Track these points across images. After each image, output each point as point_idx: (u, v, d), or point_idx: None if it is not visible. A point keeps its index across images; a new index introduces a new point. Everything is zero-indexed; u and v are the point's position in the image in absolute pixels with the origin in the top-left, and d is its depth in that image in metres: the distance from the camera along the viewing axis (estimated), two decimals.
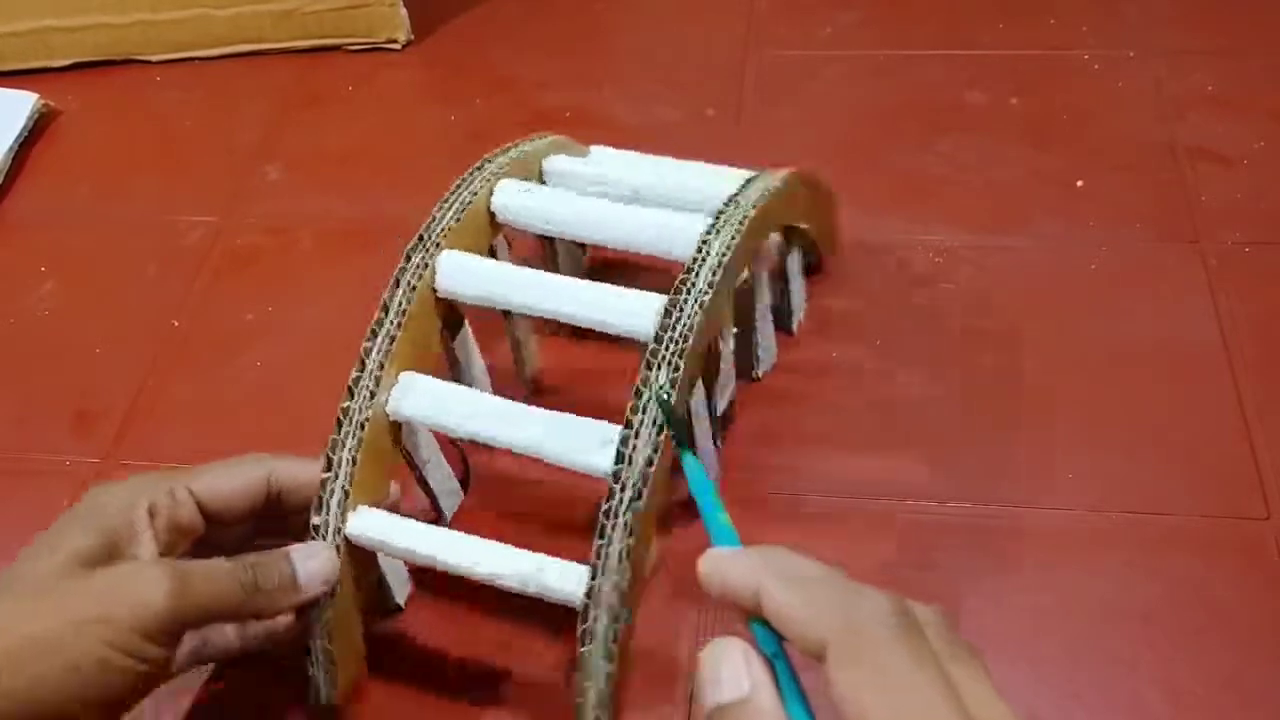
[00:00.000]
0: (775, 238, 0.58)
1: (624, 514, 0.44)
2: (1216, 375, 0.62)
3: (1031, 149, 0.76)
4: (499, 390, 0.54)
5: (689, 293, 0.49)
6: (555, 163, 0.60)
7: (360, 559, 0.49)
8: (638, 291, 0.50)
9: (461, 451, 0.62)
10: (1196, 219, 0.70)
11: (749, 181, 0.55)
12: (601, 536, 0.44)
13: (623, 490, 0.44)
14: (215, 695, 0.53)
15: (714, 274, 0.49)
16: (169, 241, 0.77)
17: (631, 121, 0.82)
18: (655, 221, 0.53)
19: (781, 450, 0.60)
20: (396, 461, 0.52)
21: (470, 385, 0.53)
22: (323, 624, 0.48)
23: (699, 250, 0.50)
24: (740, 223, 0.51)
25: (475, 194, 0.55)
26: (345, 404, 0.48)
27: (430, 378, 0.51)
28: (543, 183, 0.59)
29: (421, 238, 0.53)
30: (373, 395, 0.49)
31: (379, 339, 0.50)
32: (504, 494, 0.60)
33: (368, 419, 0.49)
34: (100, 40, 0.89)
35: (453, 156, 0.80)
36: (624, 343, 0.50)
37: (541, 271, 0.53)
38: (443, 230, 0.53)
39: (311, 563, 0.46)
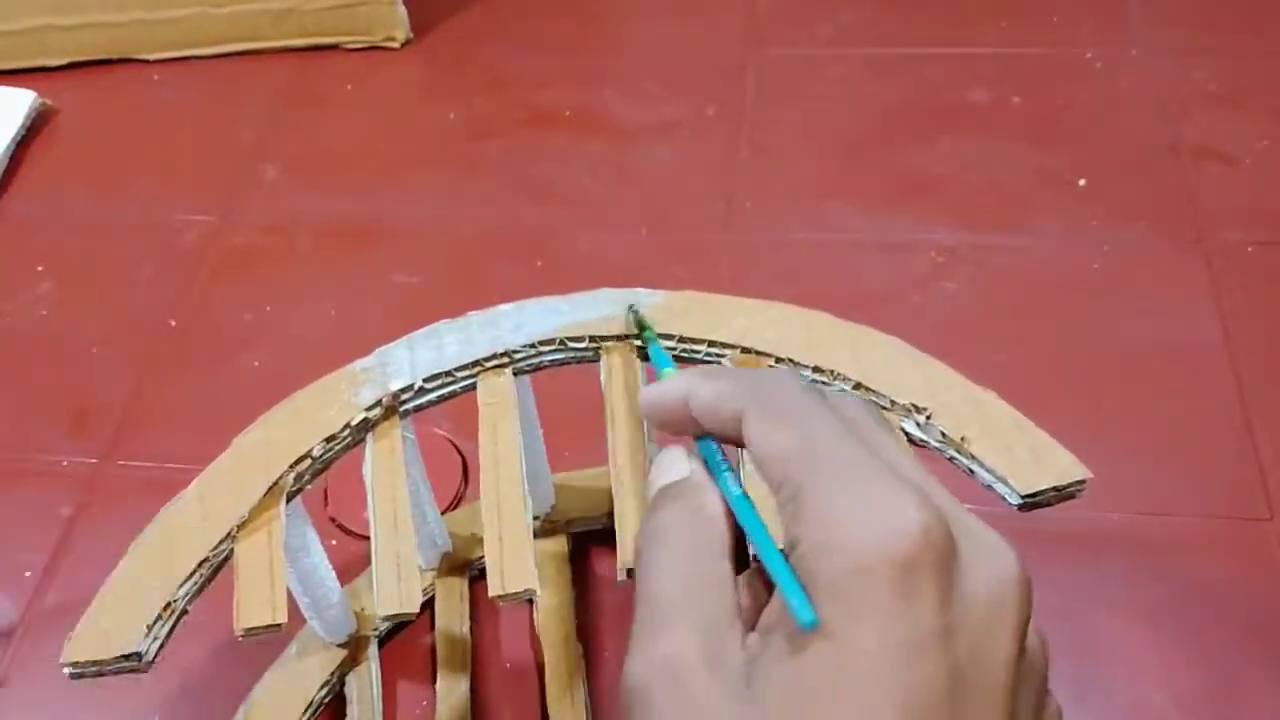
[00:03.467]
0: None
1: None
2: (1219, 375, 0.61)
3: (1033, 148, 0.75)
4: None
5: None
6: None
7: None
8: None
9: (460, 452, 0.62)
10: (1199, 218, 0.70)
11: None
12: None
13: None
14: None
15: None
16: (166, 241, 0.76)
17: (632, 120, 0.81)
18: None
19: None
20: None
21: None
22: None
23: None
24: None
25: None
26: None
27: None
28: None
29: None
30: None
31: None
32: None
33: None
34: (98, 39, 0.89)
35: (452, 156, 0.81)
36: None
37: None
38: None
39: None
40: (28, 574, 0.59)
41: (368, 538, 0.57)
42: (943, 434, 0.43)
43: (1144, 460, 0.58)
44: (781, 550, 0.29)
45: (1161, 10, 0.84)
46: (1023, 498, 0.41)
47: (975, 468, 0.42)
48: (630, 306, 0.47)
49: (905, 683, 0.25)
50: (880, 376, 0.44)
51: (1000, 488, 0.42)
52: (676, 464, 0.33)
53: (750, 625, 0.29)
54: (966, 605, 0.27)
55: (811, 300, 0.48)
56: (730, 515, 0.32)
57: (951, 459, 0.43)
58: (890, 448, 0.30)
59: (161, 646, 0.40)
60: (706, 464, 0.34)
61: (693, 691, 0.27)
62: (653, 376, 0.44)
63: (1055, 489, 0.41)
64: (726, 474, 0.33)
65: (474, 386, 0.46)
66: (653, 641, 0.29)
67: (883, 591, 0.26)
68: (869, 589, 0.26)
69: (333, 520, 0.59)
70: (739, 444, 0.32)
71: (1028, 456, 0.42)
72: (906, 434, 0.44)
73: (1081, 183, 0.73)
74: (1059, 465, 0.42)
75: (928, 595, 0.26)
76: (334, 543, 0.58)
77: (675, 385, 0.34)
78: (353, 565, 0.56)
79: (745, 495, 0.32)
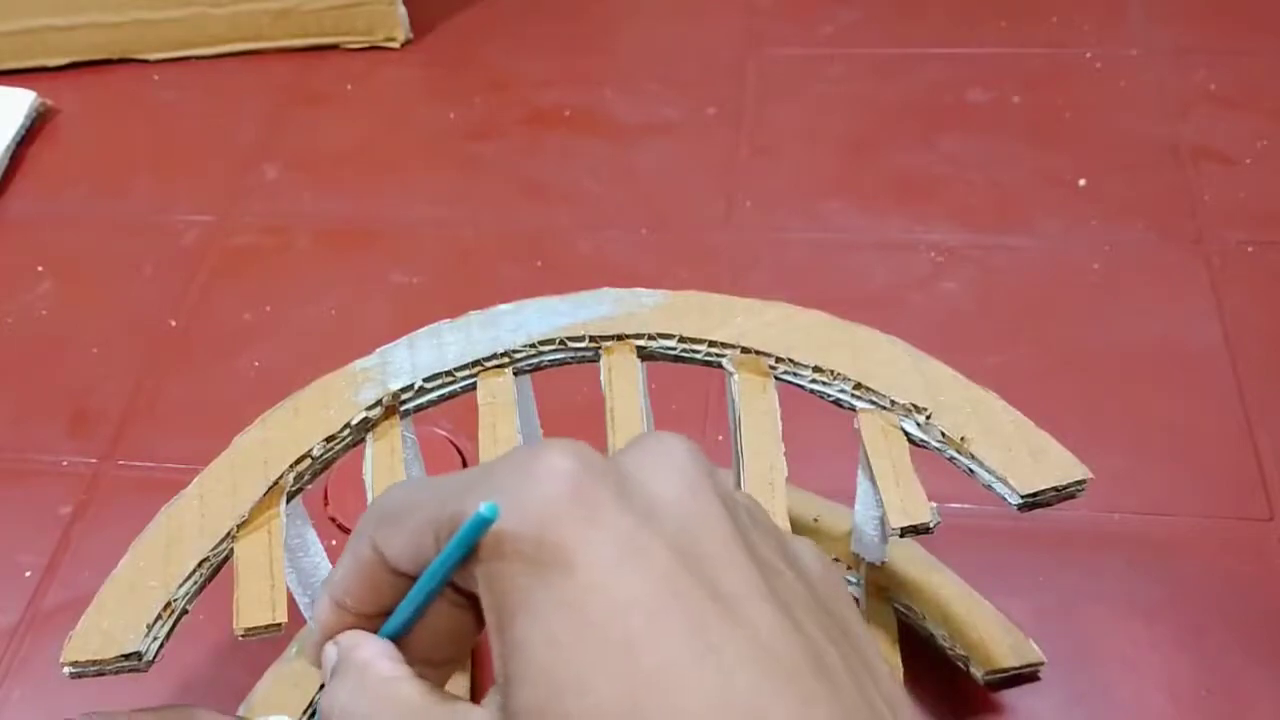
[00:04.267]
0: None
1: None
2: (1219, 375, 0.61)
3: (1033, 148, 0.75)
4: None
5: None
6: None
7: None
8: None
9: (460, 451, 0.62)
10: (1199, 218, 0.70)
11: None
12: None
13: None
14: None
15: None
16: (166, 241, 0.76)
17: (632, 120, 0.81)
18: None
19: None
20: None
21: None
22: None
23: None
24: None
25: None
26: None
27: None
28: None
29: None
30: None
31: None
32: None
33: None
34: (97, 39, 0.89)
35: (452, 156, 0.81)
36: None
37: None
38: None
39: None
40: (28, 574, 0.59)
41: None
42: (943, 434, 0.43)
43: (1144, 460, 0.58)
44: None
45: (1161, 10, 0.84)
46: (1023, 498, 0.41)
47: (975, 468, 0.42)
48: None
49: (634, 578, 0.24)
50: (880, 376, 0.45)
51: (1000, 488, 0.42)
52: (325, 655, 0.29)
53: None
54: (652, 484, 0.26)
55: (811, 300, 0.48)
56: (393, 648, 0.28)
57: (951, 459, 0.43)
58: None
59: (161, 646, 0.40)
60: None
61: None
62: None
63: (1055, 489, 0.42)
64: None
65: (474, 386, 0.46)
66: None
67: (570, 518, 0.24)
68: (558, 526, 0.24)
69: (333, 520, 0.59)
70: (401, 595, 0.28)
71: (1028, 456, 0.42)
72: (907, 434, 0.44)
73: (1081, 183, 0.73)
74: (1059, 465, 0.42)
75: (606, 498, 0.24)
76: (334, 543, 0.58)
77: (322, 603, 0.30)
78: None
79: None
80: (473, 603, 0.27)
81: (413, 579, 0.27)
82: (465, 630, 0.28)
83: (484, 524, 0.24)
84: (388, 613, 0.28)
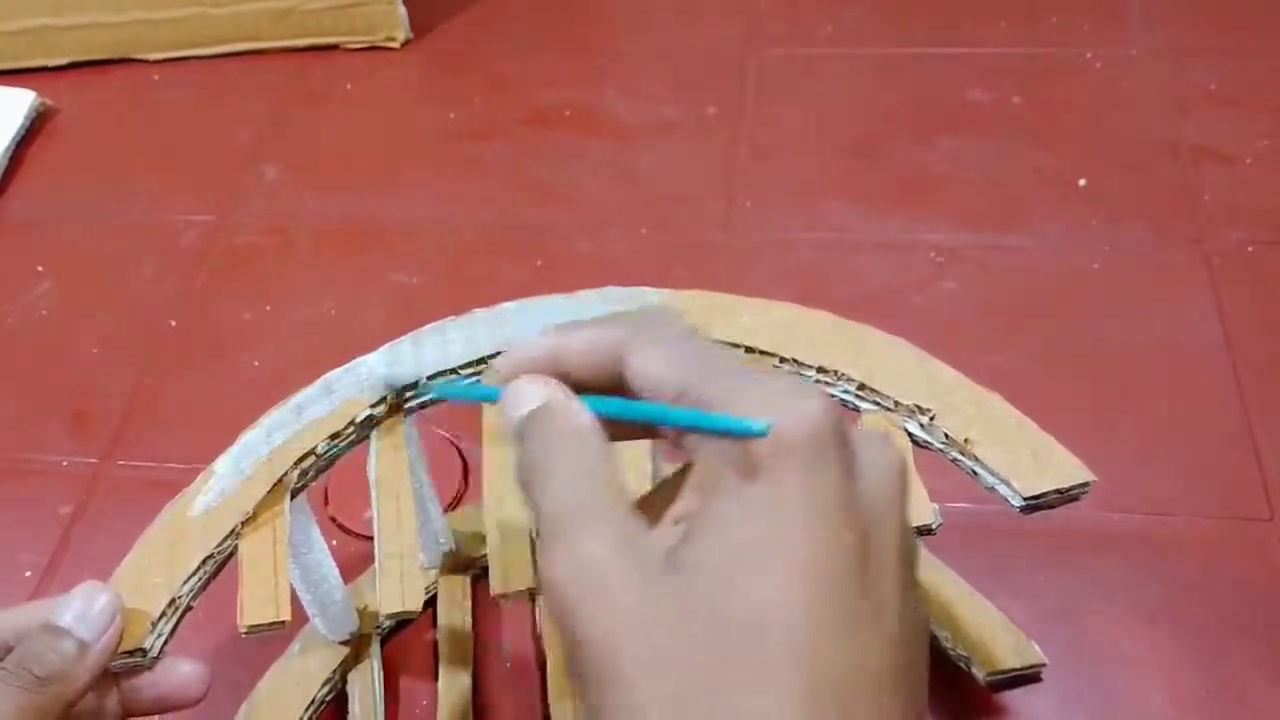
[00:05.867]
0: None
1: None
2: (1220, 375, 0.62)
3: (1033, 148, 0.75)
4: None
5: None
6: None
7: None
8: None
9: (461, 451, 0.62)
10: (1199, 218, 0.70)
11: None
12: None
13: None
14: None
15: None
16: (166, 241, 0.76)
17: (632, 120, 0.81)
18: None
19: None
20: None
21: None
22: None
23: None
24: None
25: None
26: None
27: None
28: None
29: None
30: None
31: None
32: None
33: None
34: (98, 39, 0.89)
35: (451, 156, 0.81)
36: None
37: None
38: None
39: (75, 605, 0.39)
40: (28, 574, 0.59)
41: (368, 538, 0.57)
42: (946, 435, 0.43)
43: (1144, 460, 0.58)
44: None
45: (1161, 10, 0.84)
46: (1025, 500, 0.42)
47: (979, 469, 0.42)
48: (387, 385, 0.45)
49: (822, 542, 0.28)
50: (884, 377, 0.45)
51: (1003, 489, 0.42)
52: (529, 393, 0.33)
53: (653, 522, 0.31)
54: (865, 477, 0.29)
55: (811, 300, 0.48)
56: (605, 429, 0.32)
57: (955, 460, 0.43)
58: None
59: (166, 642, 0.40)
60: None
61: (615, 587, 0.28)
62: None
63: (1058, 491, 0.42)
64: (610, 402, 0.32)
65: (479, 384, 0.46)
66: (566, 548, 0.29)
67: (800, 459, 0.28)
68: (788, 458, 0.28)
69: (333, 520, 0.59)
70: (612, 390, 0.32)
71: (1031, 459, 0.42)
72: (910, 435, 0.44)
73: (1081, 183, 0.73)
74: (1062, 467, 0.42)
75: (835, 464, 0.28)
76: (334, 542, 0.58)
77: (539, 344, 0.34)
78: (353, 565, 0.56)
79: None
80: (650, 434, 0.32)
81: (622, 383, 0.32)
82: (626, 436, 0.33)
83: (749, 434, 0.28)
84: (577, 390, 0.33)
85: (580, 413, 0.32)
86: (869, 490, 0.29)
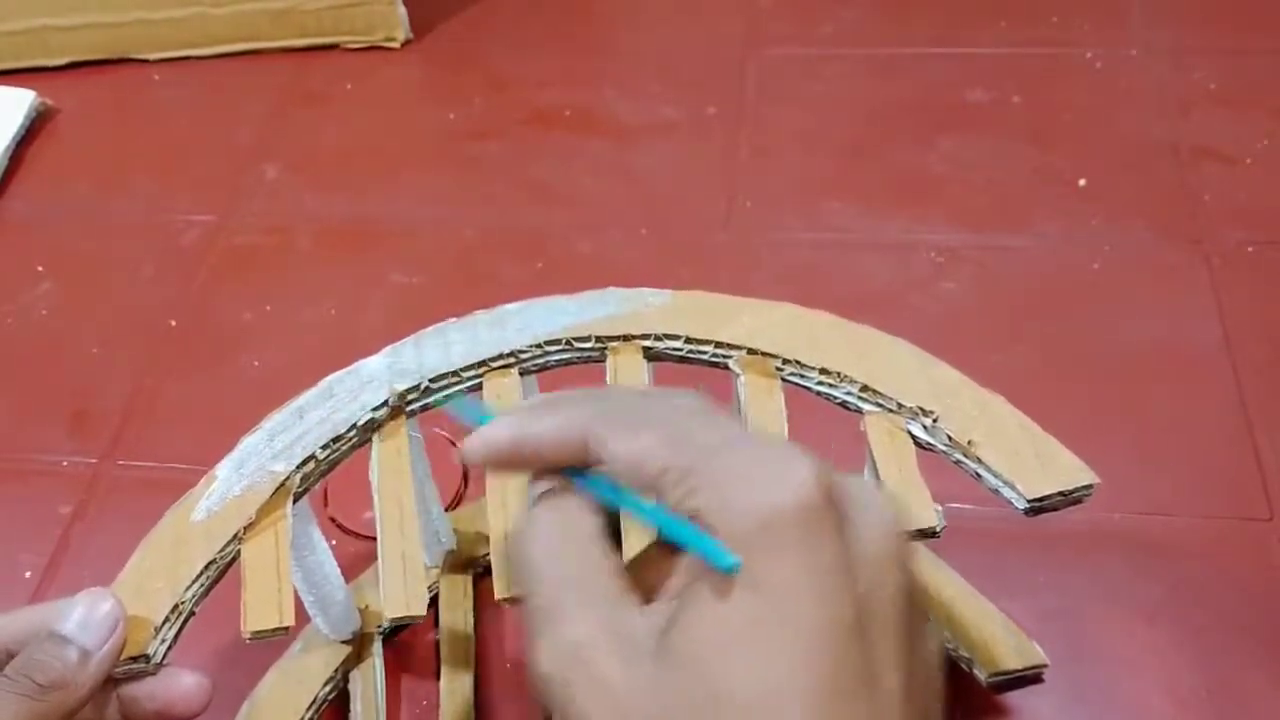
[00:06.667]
0: None
1: None
2: (1219, 376, 0.62)
3: (1033, 148, 0.75)
4: None
5: None
6: None
7: None
8: None
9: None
10: (1199, 218, 0.70)
11: None
12: None
13: None
14: None
15: None
16: (166, 241, 0.76)
17: (632, 120, 0.81)
18: None
19: None
20: None
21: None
22: None
23: None
24: None
25: None
26: None
27: None
28: None
29: None
30: None
31: None
32: None
33: None
34: (97, 39, 0.89)
35: (451, 156, 0.81)
36: None
37: None
38: None
39: (78, 613, 0.39)
40: (28, 574, 0.59)
41: (368, 538, 0.58)
42: (949, 437, 0.43)
43: (1144, 460, 0.58)
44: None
45: (1161, 10, 0.84)
46: (1029, 502, 0.42)
47: (982, 471, 0.42)
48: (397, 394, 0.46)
49: (822, 614, 0.27)
50: (886, 378, 0.45)
51: (1007, 492, 0.42)
52: (539, 485, 0.33)
53: (644, 602, 0.30)
54: (860, 543, 0.29)
55: (811, 300, 0.48)
56: (599, 510, 0.32)
57: (958, 462, 0.43)
58: (741, 426, 0.32)
59: (169, 648, 0.40)
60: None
61: (603, 673, 0.28)
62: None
63: (1062, 493, 0.42)
64: (593, 480, 0.32)
65: (480, 386, 0.46)
66: (553, 630, 0.29)
67: (791, 535, 0.27)
68: (779, 534, 0.27)
69: (333, 520, 0.59)
70: (583, 467, 0.32)
71: (1034, 460, 0.42)
72: (913, 436, 0.44)
73: (1081, 183, 0.73)
74: (1066, 469, 0.42)
75: (828, 534, 0.28)
76: (334, 543, 0.58)
77: (499, 430, 0.33)
78: (353, 565, 0.56)
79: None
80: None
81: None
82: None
83: (724, 568, 0.27)
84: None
85: (577, 500, 0.32)
86: (864, 553, 0.29)
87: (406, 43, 0.90)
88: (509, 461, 0.34)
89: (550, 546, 0.31)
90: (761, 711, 0.27)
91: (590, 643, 0.29)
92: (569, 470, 0.32)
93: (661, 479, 0.29)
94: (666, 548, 0.31)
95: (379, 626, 0.53)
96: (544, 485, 0.33)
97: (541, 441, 0.32)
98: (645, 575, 0.31)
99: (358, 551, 0.58)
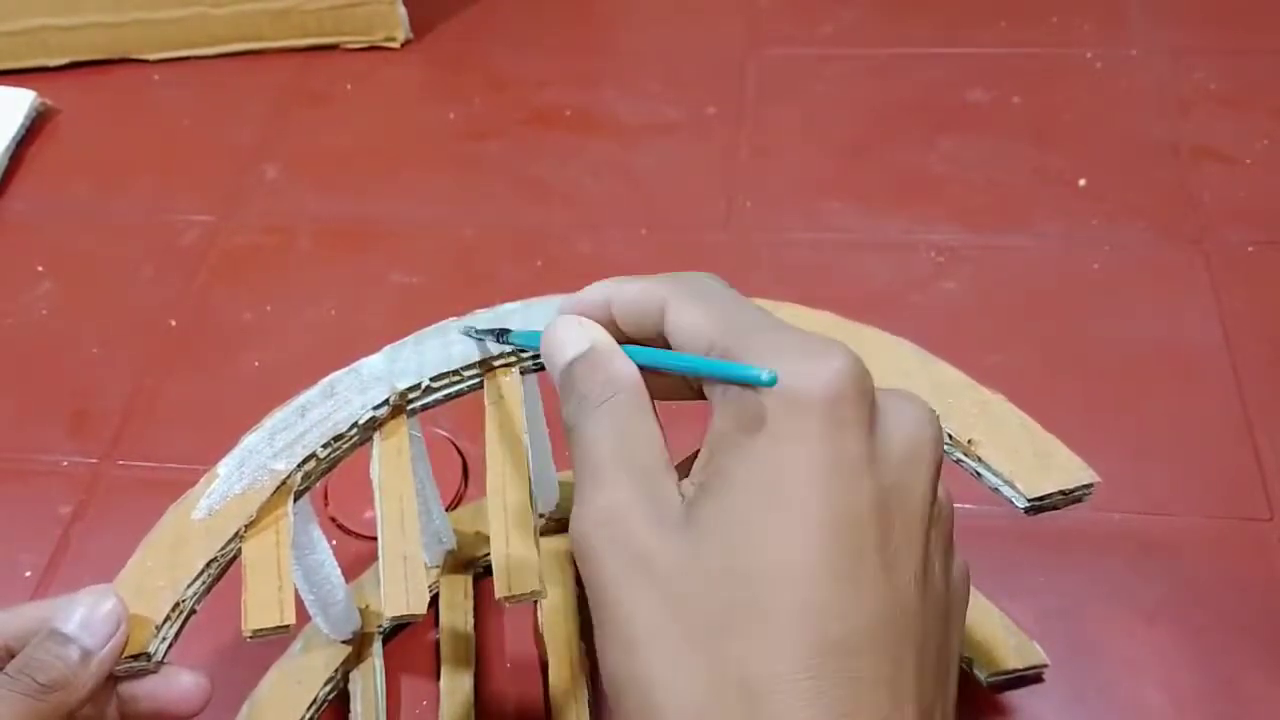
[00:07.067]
0: None
1: None
2: (1219, 376, 0.62)
3: (1034, 148, 0.75)
4: None
5: None
6: None
7: None
8: None
9: (460, 451, 0.62)
10: (1200, 218, 0.70)
11: None
12: None
13: None
14: None
15: None
16: (166, 241, 0.76)
17: (632, 120, 0.81)
18: None
19: None
20: None
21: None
22: None
23: None
24: None
25: None
26: None
27: None
28: None
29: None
30: None
31: None
32: None
33: None
34: (97, 39, 0.89)
35: (451, 156, 0.81)
36: None
37: None
38: None
39: (79, 612, 0.39)
40: (28, 574, 0.59)
41: (368, 538, 0.58)
42: (950, 436, 0.43)
43: (1144, 460, 0.58)
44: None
45: (1161, 10, 0.84)
46: (1030, 501, 0.42)
47: (982, 470, 0.42)
48: (472, 332, 0.46)
49: (836, 498, 0.28)
50: (887, 377, 0.44)
51: (1007, 491, 0.42)
52: (573, 335, 0.34)
53: (684, 475, 0.32)
54: (889, 439, 0.30)
55: (811, 300, 0.48)
56: (645, 387, 0.33)
57: (959, 461, 0.43)
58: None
59: (170, 646, 0.40)
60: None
61: (633, 535, 0.30)
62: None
63: (1063, 493, 0.42)
64: (646, 350, 0.34)
65: (481, 385, 0.46)
66: (594, 495, 0.31)
67: (815, 419, 0.28)
68: (803, 417, 0.29)
69: (333, 520, 0.59)
70: (657, 343, 0.34)
71: (1035, 460, 0.42)
72: None
73: (1081, 183, 0.73)
74: (1066, 469, 0.42)
75: (854, 424, 0.29)
76: (334, 542, 0.58)
77: (597, 290, 0.35)
78: (353, 565, 0.56)
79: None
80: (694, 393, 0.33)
81: (664, 338, 0.33)
82: (664, 395, 0.34)
83: (759, 381, 0.29)
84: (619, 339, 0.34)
85: (625, 365, 0.33)
86: (893, 452, 0.29)
87: (406, 43, 0.90)
88: (599, 316, 0.35)
89: (602, 414, 0.32)
90: (773, 583, 0.28)
91: (626, 506, 0.30)
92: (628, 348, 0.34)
93: (711, 351, 0.31)
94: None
95: (379, 626, 0.53)
96: (577, 340, 0.34)
97: (624, 303, 0.34)
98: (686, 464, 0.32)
99: (358, 551, 0.58)
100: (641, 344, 0.34)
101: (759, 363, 0.29)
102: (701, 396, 0.33)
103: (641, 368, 0.33)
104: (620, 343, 0.34)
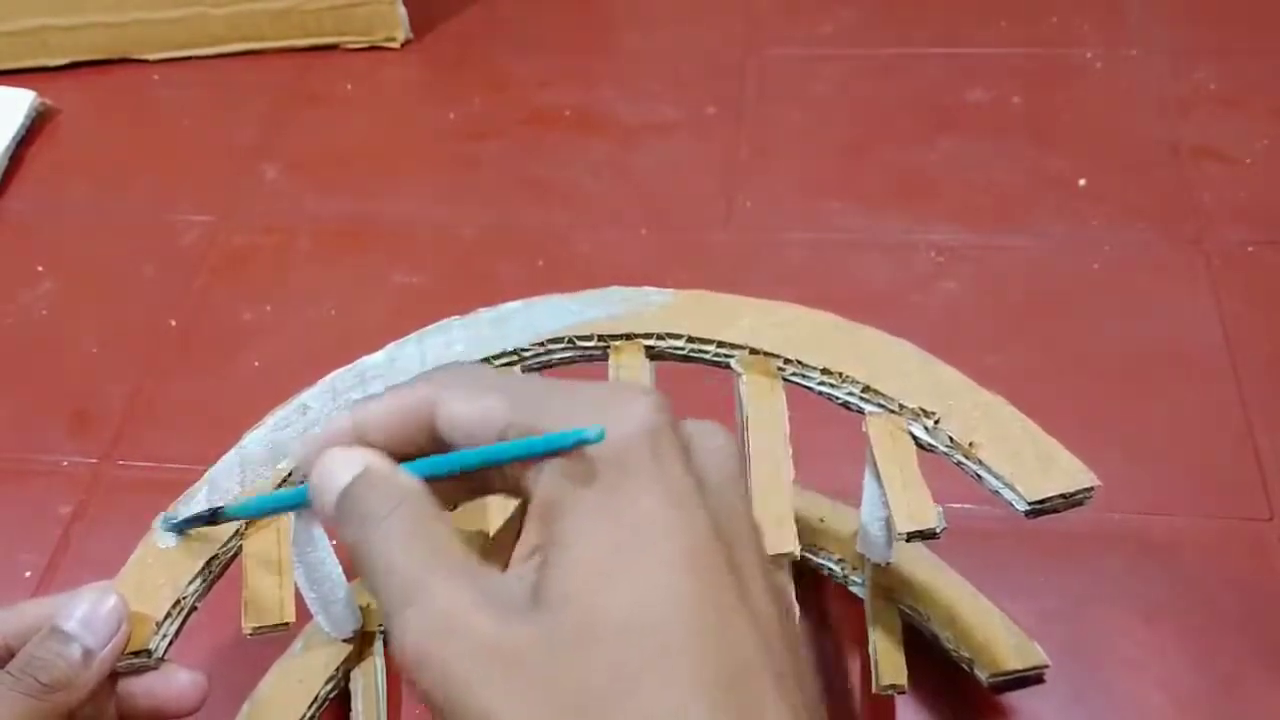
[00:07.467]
0: None
1: None
2: (1219, 375, 0.62)
3: (1033, 148, 0.75)
4: None
5: None
6: None
7: None
8: None
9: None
10: (1199, 218, 0.70)
11: None
12: None
13: None
14: None
15: None
16: (166, 241, 0.76)
17: (632, 120, 0.81)
18: None
19: None
20: None
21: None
22: None
23: None
24: None
25: None
26: None
27: None
28: None
29: None
30: None
31: None
32: None
33: None
34: (98, 39, 0.89)
35: (451, 156, 0.81)
36: None
37: None
38: None
39: (81, 610, 0.39)
40: (28, 574, 0.59)
41: None
42: (951, 439, 0.43)
43: (1144, 460, 0.58)
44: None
45: (1161, 10, 0.84)
46: (1030, 504, 0.42)
47: (983, 473, 0.42)
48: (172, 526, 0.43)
49: (682, 530, 0.27)
50: (888, 379, 0.45)
51: (1008, 494, 0.42)
52: (341, 466, 0.31)
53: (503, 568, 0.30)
54: (705, 466, 0.29)
55: (811, 300, 0.48)
56: (432, 494, 0.30)
57: (959, 464, 0.43)
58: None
59: (170, 643, 0.40)
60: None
61: (479, 633, 0.27)
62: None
63: (1063, 496, 0.42)
64: (430, 461, 0.31)
65: None
66: (422, 605, 0.28)
67: (641, 461, 0.28)
68: (629, 463, 0.28)
69: None
70: (421, 452, 0.31)
71: (1035, 462, 0.42)
72: (915, 438, 0.44)
73: (1081, 183, 0.73)
74: (1067, 472, 0.42)
75: (674, 454, 0.28)
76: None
77: (338, 421, 0.32)
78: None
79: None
80: (500, 487, 0.31)
81: (440, 445, 0.31)
82: (458, 498, 0.33)
83: (583, 442, 0.28)
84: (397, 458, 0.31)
85: (406, 478, 0.30)
86: (710, 480, 0.29)
87: (406, 43, 0.90)
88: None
89: (394, 528, 0.29)
90: (642, 632, 0.26)
91: (462, 607, 0.27)
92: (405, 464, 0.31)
93: (506, 434, 0.29)
94: (508, 531, 0.31)
95: (380, 625, 0.53)
96: (347, 467, 0.31)
97: (381, 417, 0.31)
98: (502, 553, 0.31)
99: None
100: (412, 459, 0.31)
101: (568, 425, 0.28)
102: (483, 494, 0.31)
103: (429, 479, 0.31)
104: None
